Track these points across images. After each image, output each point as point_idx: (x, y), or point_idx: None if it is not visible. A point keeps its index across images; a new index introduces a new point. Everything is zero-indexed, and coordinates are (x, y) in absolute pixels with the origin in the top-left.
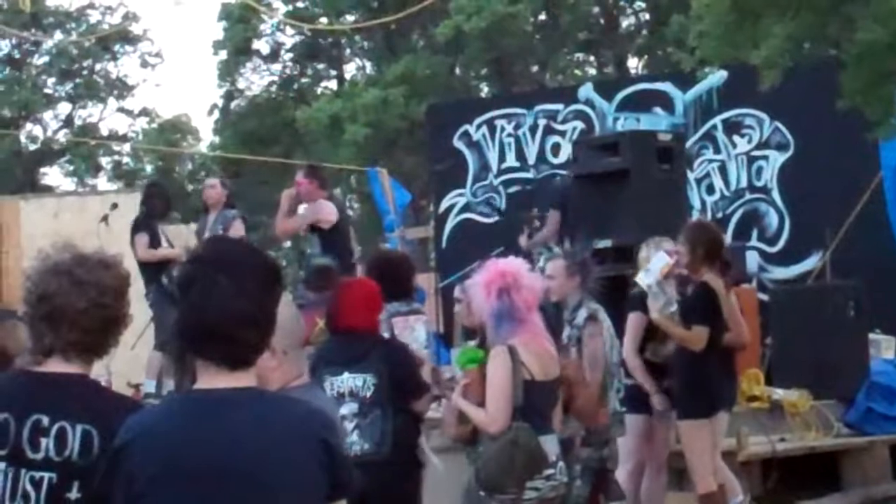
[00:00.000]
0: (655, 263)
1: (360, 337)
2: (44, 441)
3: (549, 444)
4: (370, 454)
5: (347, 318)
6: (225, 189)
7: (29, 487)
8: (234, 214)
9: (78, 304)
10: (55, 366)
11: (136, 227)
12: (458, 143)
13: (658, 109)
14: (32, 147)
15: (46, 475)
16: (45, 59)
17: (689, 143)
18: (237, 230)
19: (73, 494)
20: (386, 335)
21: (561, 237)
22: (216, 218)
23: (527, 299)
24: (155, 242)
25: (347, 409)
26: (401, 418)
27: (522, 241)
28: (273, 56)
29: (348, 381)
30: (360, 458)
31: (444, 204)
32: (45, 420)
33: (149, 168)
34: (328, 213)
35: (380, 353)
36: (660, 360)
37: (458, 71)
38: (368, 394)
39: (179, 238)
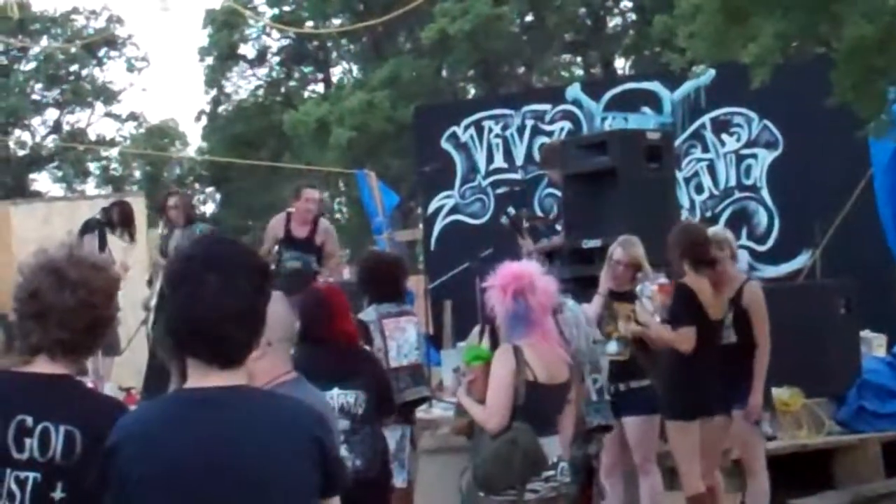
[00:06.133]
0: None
1: (350, 349)
2: (28, 441)
3: (550, 446)
4: (361, 471)
5: (339, 328)
6: (185, 204)
7: (14, 487)
8: (203, 229)
9: (67, 302)
10: (41, 366)
11: (88, 228)
12: (445, 145)
13: (646, 109)
14: (21, 153)
15: (31, 475)
16: (33, 65)
17: (677, 142)
18: None
19: (58, 494)
20: (377, 337)
21: None
22: (182, 234)
23: (541, 301)
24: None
25: (339, 425)
26: (382, 435)
27: (528, 245)
28: (260, 60)
29: (339, 397)
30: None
31: (433, 206)
32: (30, 420)
33: (137, 173)
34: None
35: (369, 368)
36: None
37: (444, 73)
38: (360, 411)
39: None
